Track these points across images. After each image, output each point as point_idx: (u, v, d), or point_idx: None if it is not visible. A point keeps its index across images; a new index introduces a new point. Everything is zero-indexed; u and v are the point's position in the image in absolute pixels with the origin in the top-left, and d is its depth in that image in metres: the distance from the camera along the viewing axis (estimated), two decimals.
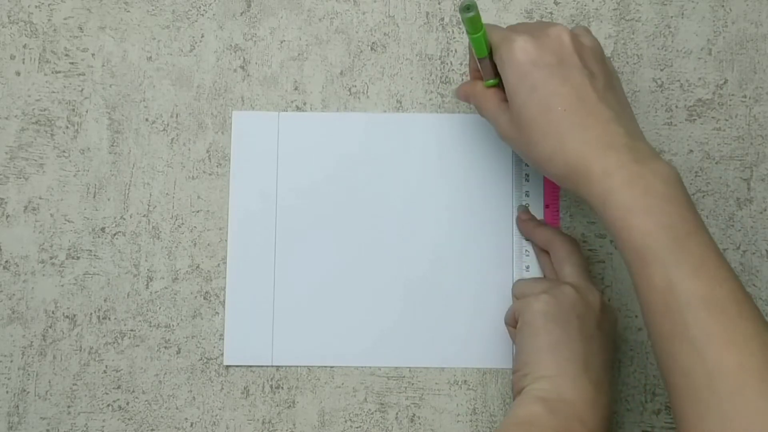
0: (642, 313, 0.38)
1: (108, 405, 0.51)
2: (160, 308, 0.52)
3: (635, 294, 0.38)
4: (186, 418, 0.51)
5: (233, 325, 0.52)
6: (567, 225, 0.52)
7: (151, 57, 0.54)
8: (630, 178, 0.37)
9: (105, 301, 0.52)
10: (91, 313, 0.52)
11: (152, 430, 0.51)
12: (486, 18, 0.54)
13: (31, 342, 0.52)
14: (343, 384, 0.51)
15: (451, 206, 0.52)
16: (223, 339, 0.52)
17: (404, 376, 0.52)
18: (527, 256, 0.52)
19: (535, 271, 0.52)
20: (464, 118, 0.53)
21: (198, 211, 0.53)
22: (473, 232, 0.52)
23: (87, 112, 0.53)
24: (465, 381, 0.51)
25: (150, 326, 0.52)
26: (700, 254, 0.36)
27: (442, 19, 0.54)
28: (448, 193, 0.52)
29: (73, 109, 0.53)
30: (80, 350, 0.51)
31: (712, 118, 0.53)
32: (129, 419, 0.51)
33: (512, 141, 0.42)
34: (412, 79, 0.54)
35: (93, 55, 0.54)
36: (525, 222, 0.51)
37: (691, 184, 0.53)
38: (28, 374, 0.51)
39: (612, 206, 0.36)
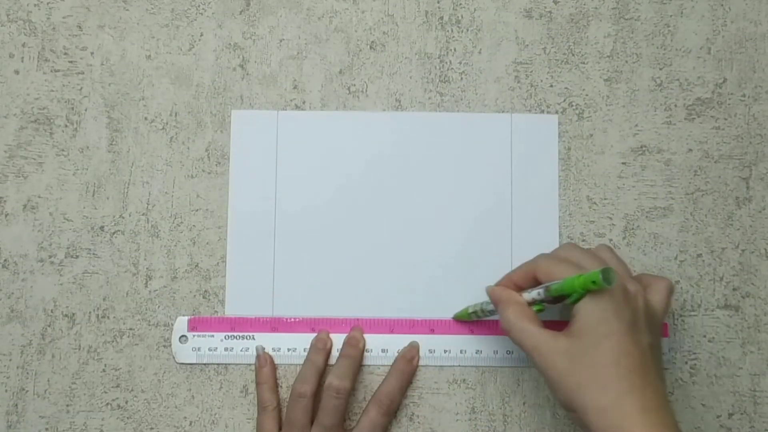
0: None
1: (107, 404, 0.51)
2: (159, 307, 0.52)
3: None
4: (185, 417, 0.51)
5: None
6: (566, 224, 0.52)
7: (150, 56, 0.54)
8: None
9: (104, 299, 0.52)
10: (90, 312, 0.52)
11: (151, 428, 0.51)
12: (486, 16, 0.54)
13: (30, 341, 0.52)
14: None
15: (450, 205, 0.52)
16: None
17: None
18: None
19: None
20: (463, 117, 0.53)
21: (197, 210, 0.53)
22: (472, 231, 0.52)
23: (86, 110, 0.53)
24: (464, 380, 0.51)
25: (149, 325, 0.52)
26: None
27: (441, 17, 0.54)
28: (448, 192, 0.52)
29: (72, 108, 0.53)
30: (79, 349, 0.51)
31: (711, 117, 0.53)
32: (128, 418, 0.51)
33: (555, 371, 0.41)
34: (411, 77, 0.54)
35: (92, 53, 0.54)
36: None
37: (690, 183, 0.53)
38: (27, 373, 0.51)
39: None
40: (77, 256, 0.52)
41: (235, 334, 0.51)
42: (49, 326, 0.52)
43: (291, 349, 0.51)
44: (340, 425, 0.48)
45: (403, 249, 0.52)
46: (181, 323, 0.51)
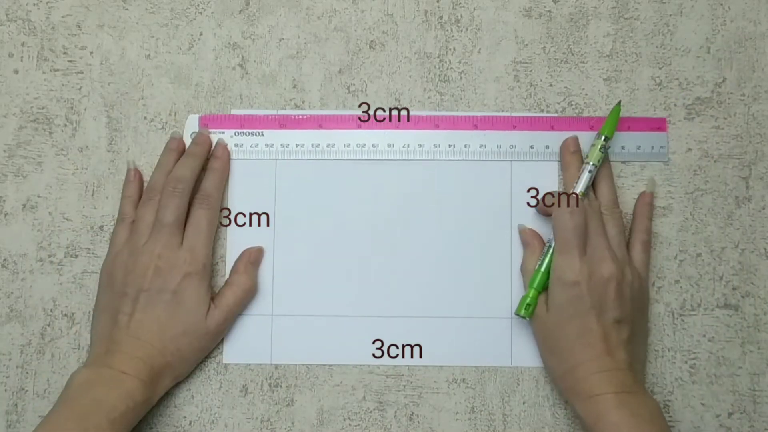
0: None
1: None
2: None
3: None
4: (184, 417, 0.51)
5: (232, 323, 0.52)
6: None
7: (149, 55, 0.54)
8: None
9: None
10: (89, 312, 0.52)
11: (151, 428, 0.51)
12: (486, 15, 0.54)
13: (30, 340, 0.51)
14: (341, 382, 0.51)
15: (450, 205, 0.52)
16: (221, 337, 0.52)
17: (403, 375, 0.52)
18: None
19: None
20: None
21: None
22: (471, 231, 0.52)
23: (85, 110, 0.53)
24: (463, 379, 0.51)
25: None
26: None
27: (441, 17, 0.54)
28: (448, 193, 0.52)
29: (72, 107, 0.53)
30: (79, 348, 0.51)
31: (711, 116, 0.53)
32: None
33: (540, 335, 0.49)
34: (410, 77, 0.54)
35: (91, 53, 0.54)
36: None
37: (689, 182, 0.53)
38: (27, 373, 0.51)
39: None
40: (77, 256, 0.52)
41: (245, 131, 0.52)
42: (48, 326, 0.52)
43: (299, 144, 0.52)
44: (178, 222, 0.49)
45: (401, 246, 0.52)
46: (193, 120, 0.52)
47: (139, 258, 0.48)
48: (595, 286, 0.47)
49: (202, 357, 0.50)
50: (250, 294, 0.51)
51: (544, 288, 0.49)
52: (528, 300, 0.49)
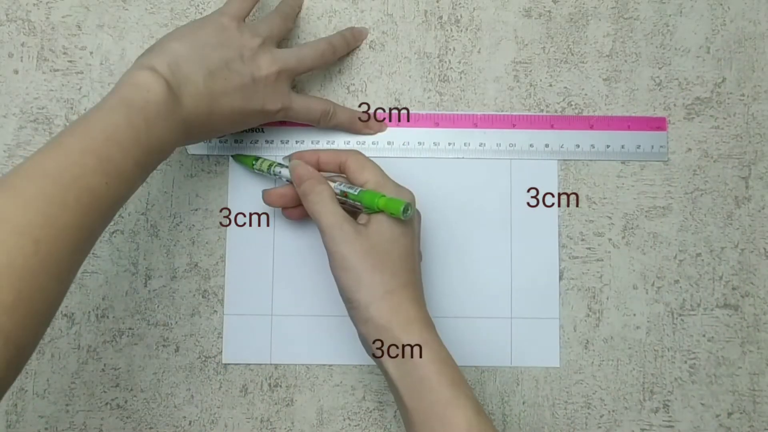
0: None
1: (106, 403, 0.51)
2: (158, 306, 0.52)
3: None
4: (184, 417, 0.51)
5: (232, 323, 0.52)
6: (566, 223, 0.52)
7: None
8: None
9: (103, 299, 0.52)
10: (89, 312, 0.52)
11: (150, 428, 0.51)
12: (485, 15, 0.54)
13: None
14: (341, 382, 0.51)
15: (450, 204, 0.52)
16: (221, 337, 0.52)
17: None
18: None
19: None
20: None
21: (196, 210, 0.53)
22: (471, 229, 0.52)
23: (85, 110, 0.53)
24: None
25: (148, 324, 0.52)
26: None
27: (441, 17, 0.54)
28: (447, 191, 0.52)
29: (72, 108, 0.53)
30: (79, 348, 0.51)
31: (711, 116, 0.53)
32: (127, 417, 0.51)
33: (354, 250, 0.45)
34: (410, 77, 0.54)
35: (91, 53, 0.54)
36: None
37: (689, 182, 0.53)
38: (27, 373, 0.51)
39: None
40: None
41: None
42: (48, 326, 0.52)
43: (299, 141, 0.52)
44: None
45: None
46: None
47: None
48: (414, 224, 0.47)
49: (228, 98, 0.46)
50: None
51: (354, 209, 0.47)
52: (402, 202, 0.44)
